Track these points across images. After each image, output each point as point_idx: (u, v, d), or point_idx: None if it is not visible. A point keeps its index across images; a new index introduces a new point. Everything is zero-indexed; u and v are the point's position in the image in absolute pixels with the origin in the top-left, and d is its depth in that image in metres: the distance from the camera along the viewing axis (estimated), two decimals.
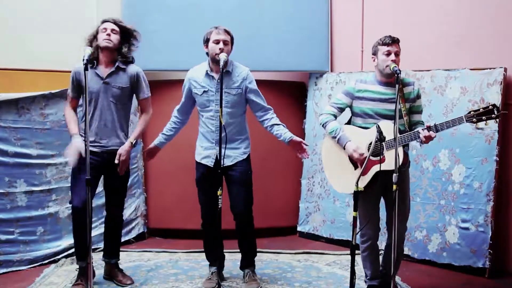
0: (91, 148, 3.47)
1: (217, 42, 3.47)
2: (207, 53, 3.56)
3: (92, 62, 3.49)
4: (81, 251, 3.50)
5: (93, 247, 4.17)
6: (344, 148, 3.29)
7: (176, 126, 3.74)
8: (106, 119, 3.55)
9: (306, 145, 3.53)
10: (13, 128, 4.08)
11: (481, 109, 2.98)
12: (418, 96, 3.33)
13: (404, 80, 3.31)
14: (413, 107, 3.33)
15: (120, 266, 3.82)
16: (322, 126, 3.41)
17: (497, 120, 3.07)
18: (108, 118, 3.56)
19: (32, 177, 4.15)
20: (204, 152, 3.62)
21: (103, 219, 3.92)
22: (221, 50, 3.44)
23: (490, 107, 2.97)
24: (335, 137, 3.32)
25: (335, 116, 3.39)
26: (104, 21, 3.55)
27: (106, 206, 3.75)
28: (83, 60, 3.11)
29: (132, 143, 3.58)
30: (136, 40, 3.64)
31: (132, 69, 3.63)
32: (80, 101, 3.60)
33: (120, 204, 3.77)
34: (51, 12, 4.58)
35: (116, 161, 3.51)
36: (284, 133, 3.55)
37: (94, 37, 3.54)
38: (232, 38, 3.56)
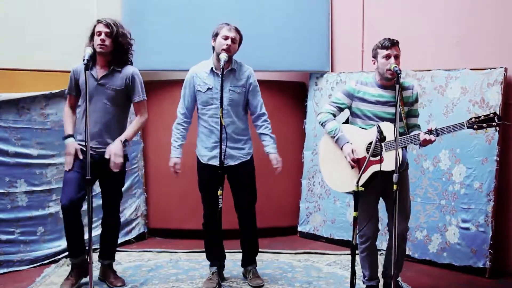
0: (84, 149, 3.43)
1: (226, 38, 3.47)
2: (213, 48, 3.55)
3: (90, 62, 3.43)
4: (73, 248, 3.54)
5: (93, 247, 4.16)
6: (342, 149, 3.30)
7: (186, 131, 3.69)
8: (99, 121, 3.49)
9: (277, 167, 3.66)
10: (13, 128, 4.07)
11: (482, 117, 2.98)
12: (416, 100, 3.33)
13: (403, 83, 3.29)
14: (411, 110, 3.32)
15: (121, 266, 3.81)
16: (321, 124, 3.42)
17: (497, 128, 3.08)
18: (102, 120, 3.49)
19: (33, 177, 4.15)
20: (210, 153, 3.59)
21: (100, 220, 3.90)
22: (228, 47, 3.44)
23: (492, 115, 2.98)
24: (333, 137, 3.33)
25: (334, 115, 3.39)
26: (98, 22, 3.47)
27: (103, 209, 3.71)
28: (83, 60, 3.11)
29: (121, 141, 3.48)
30: (130, 44, 3.54)
31: (128, 70, 3.55)
32: (80, 101, 3.59)
33: (114, 208, 3.71)
34: (51, 12, 4.58)
35: (107, 156, 3.41)
36: (266, 145, 3.66)
37: (92, 37, 3.48)
38: (241, 38, 3.57)
